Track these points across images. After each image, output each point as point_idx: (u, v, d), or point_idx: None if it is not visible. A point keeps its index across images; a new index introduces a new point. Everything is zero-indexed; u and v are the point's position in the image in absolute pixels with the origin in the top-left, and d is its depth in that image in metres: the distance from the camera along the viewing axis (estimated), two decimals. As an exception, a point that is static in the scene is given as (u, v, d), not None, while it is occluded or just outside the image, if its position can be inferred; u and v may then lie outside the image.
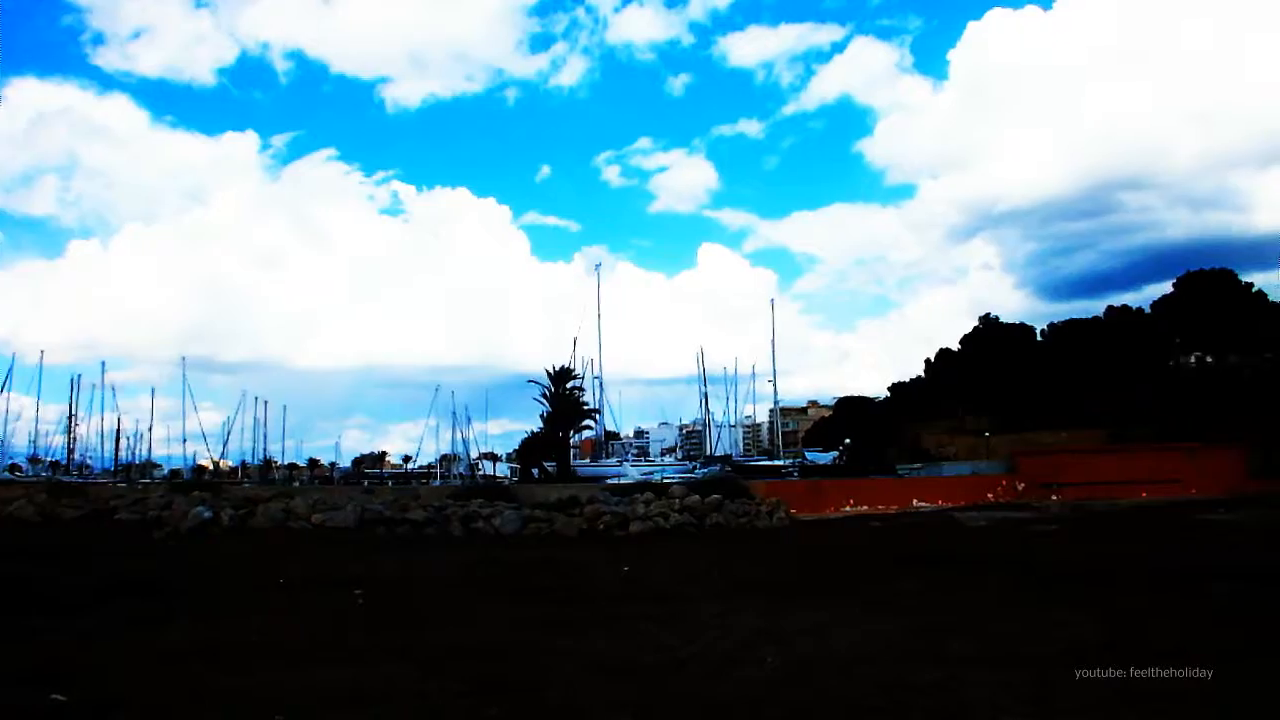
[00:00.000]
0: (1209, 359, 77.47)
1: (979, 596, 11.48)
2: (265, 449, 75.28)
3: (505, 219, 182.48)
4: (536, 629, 9.81)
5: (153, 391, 74.73)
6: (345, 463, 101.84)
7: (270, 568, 15.61)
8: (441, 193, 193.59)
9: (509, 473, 61.73)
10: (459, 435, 77.64)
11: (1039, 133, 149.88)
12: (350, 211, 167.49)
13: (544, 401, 52.63)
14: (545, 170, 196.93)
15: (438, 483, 64.07)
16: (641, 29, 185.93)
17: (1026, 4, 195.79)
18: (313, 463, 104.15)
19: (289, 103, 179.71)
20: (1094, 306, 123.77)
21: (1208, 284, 75.42)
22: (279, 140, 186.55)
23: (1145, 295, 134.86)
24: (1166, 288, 79.64)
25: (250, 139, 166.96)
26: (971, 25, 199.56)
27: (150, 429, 71.51)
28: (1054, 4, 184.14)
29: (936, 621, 9.44)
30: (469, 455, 77.97)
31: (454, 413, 77.71)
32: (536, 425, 55.44)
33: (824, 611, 10.57)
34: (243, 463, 76.24)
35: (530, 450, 56.95)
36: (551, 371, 53.13)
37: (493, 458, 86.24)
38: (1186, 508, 29.84)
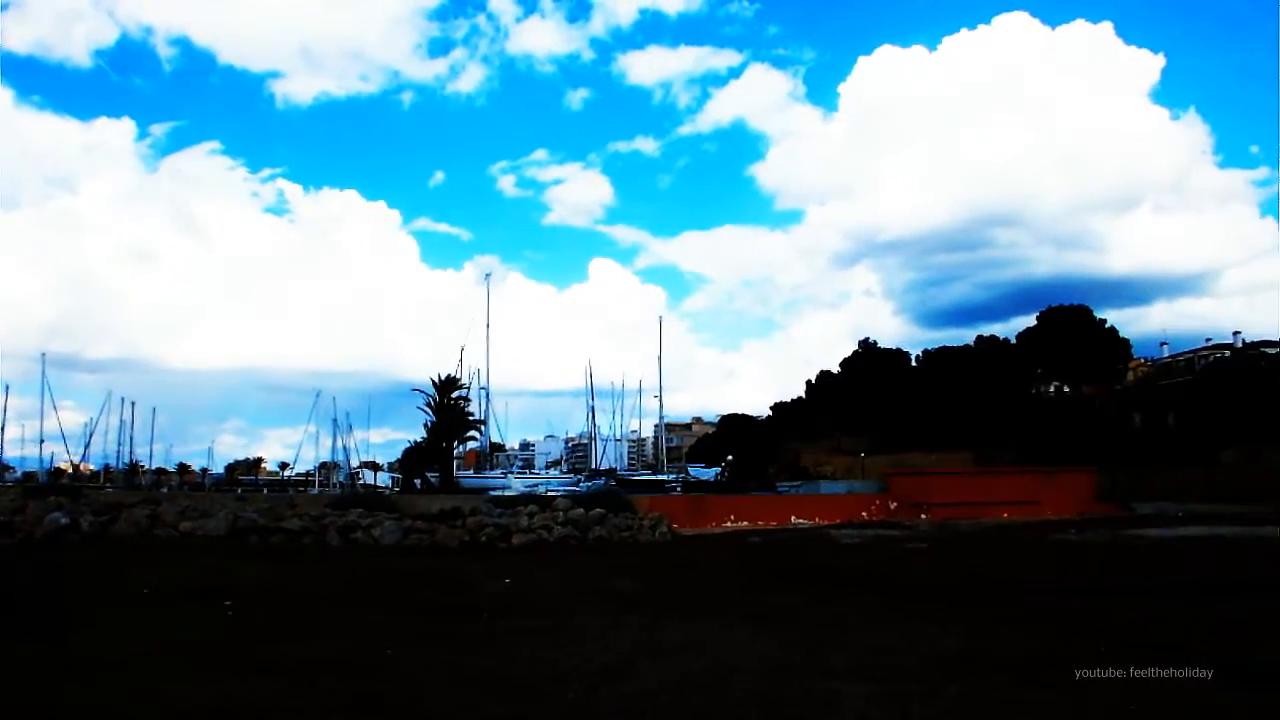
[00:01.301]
0: (1066, 388, 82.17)
1: (852, 611, 11.89)
2: (132, 453, 71.78)
3: (395, 224, 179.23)
4: (415, 642, 9.68)
5: (6, 389, 69.95)
6: (218, 469, 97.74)
7: (133, 578, 14.90)
8: (330, 194, 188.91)
9: (391, 482, 60.52)
10: (339, 443, 75.61)
11: (921, 167, 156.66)
12: (232, 208, 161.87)
13: (428, 411, 51.86)
14: (439, 176, 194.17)
15: (316, 491, 62.19)
16: (542, 41, 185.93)
17: (913, 44, 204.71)
18: (183, 468, 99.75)
19: (171, 92, 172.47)
20: (965, 335, 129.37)
21: (1066, 319, 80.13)
22: (158, 130, 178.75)
23: (1012, 326, 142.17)
24: (1031, 321, 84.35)
25: (127, 126, 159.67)
26: (862, 60, 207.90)
27: (2, 429, 67.44)
28: (939, 45, 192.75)
29: (812, 635, 9.75)
30: (349, 464, 76.01)
31: (335, 420, 75.67)
32: (420, 435, 54.63)
33: (704, 625, 10.77)
34: (106, 467, 72.46)
35: (413, 460, 56.07)
36: (437, 381, 52.41)
37: (374, 467, 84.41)
38: (1042, 528, 31.50)
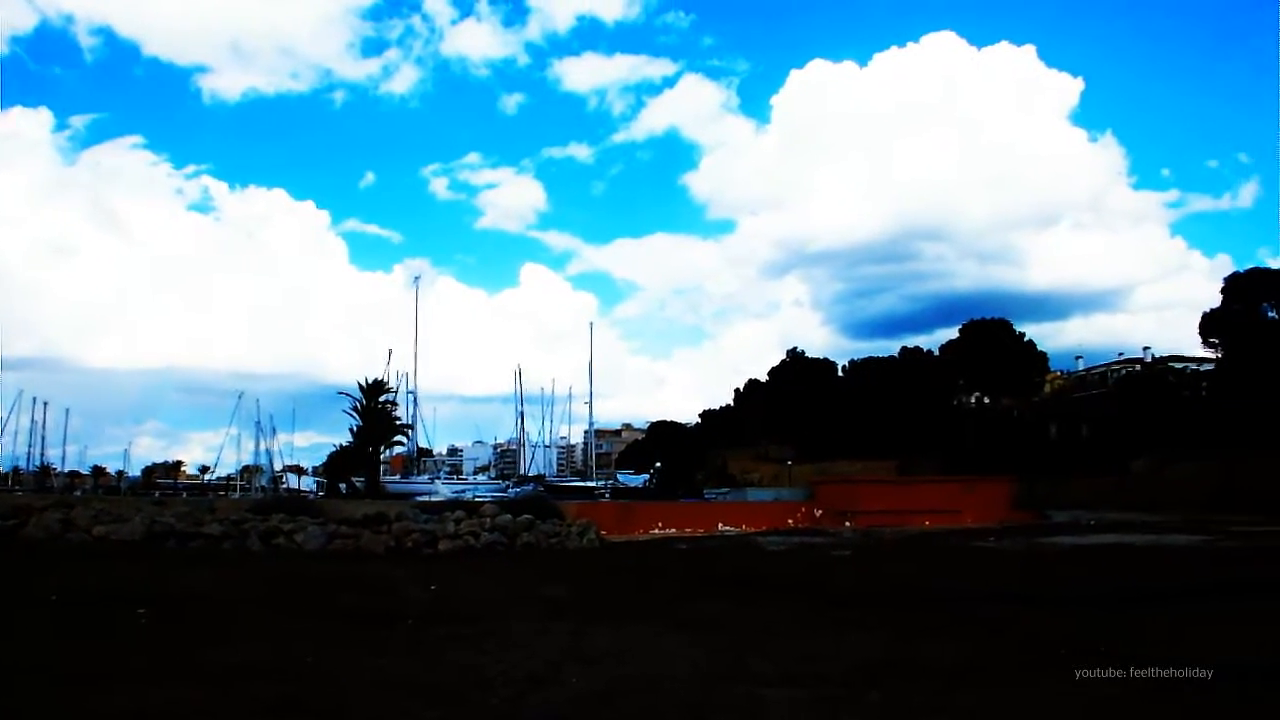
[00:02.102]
0: (986, 400, 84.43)
1: (778, 617, 12.03)
2: (43, 454, 69.28)
3: (323, 224, 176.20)
4: (338, 648, 9.52)
5: (-93, 388, 66.90)
6: (135, 472, 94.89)
7: (42, 584, 14.35)
8: (256, 192, 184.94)
9: (315, 487, 59.30)
10: (263, 446, 74.12)
11: (851, 180, 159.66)
12: (155, 204, 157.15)
13: (355, 415, 51.08)
14: (370, 177, 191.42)
15: (238, 495, 60.72)
16: (477, 44, 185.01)
17: (845, 59, 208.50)
18: (98, 471, 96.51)
19: (93, 83, 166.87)
20: (891, 346, 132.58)
21: (987, 332, 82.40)
22: (78, 121, 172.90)
23: (936, 338, 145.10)
24: (954, 333, 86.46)
25: (44, 117, 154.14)
26: (795, 73, 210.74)
27: (-98, 429, 64.48)
28: (870, 61, 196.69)
29: (739, 642, 9.84)
30: (273, 467, 74.47)
31: (258, 422, 74.12)
32: (346, 439, 53.73)
33: (631, 632, 10.80)
34: (15, 469, 69.84)
35: (338, 464, 55.09)
36: (364, 384, 51.63)
37: (299, 471, 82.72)
38: (963, 535, 32.27)
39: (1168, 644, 9.40)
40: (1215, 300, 66.41)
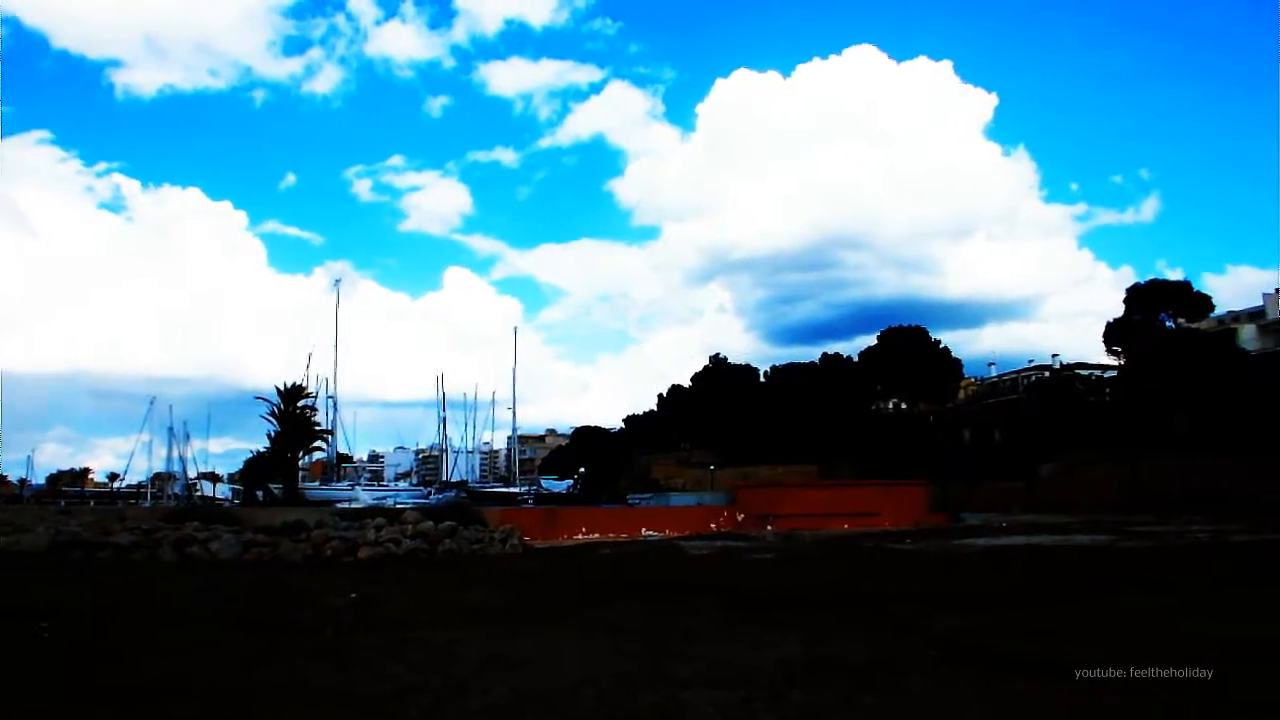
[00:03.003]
0: (903, 405, 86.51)
1: (699, 620, 12.15)
2: (-62, 462, 65.84)
3: (240, 225, 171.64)
4: (253, 660, 9.32)
5: None
6: (39, 479, 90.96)
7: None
8: (171, 191, 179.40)
9: (231, 494, 57.69)
10: (175, 453, 71.84)
11: (774, 188, 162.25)
12: (63, 202, 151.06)
13: (272, 420, 49.94)
14: (290, 178, 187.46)
15: (149, 504, 58.68)
16: (402, 46, 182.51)
17: (769, 69, 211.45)
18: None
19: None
20: (812, 353, 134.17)
21: (904, 339, 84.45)
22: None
23: (856, 345, 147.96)
24: (873, 340, 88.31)
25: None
26: (719, 82, 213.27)
27: None
28: (793, 72, 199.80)
29: (661, 645, 9.92)
30: (186, 475, 72.17)
31: (171, 428, 71.83)
32: (264, 445, 52.48)
33: (554, 638, 10.80)
34: (-91, 479, 66.19)
35: (255, 471, 53.81)
36: (282, 389, 50.46)
37: (213, 478, 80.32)
38: (881, 538, 32.94)
39: (1072, 640, 9.80)
40: (1119, 310, 69.28)
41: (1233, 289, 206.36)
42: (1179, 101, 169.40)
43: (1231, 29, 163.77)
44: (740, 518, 43.94)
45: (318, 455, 58.34)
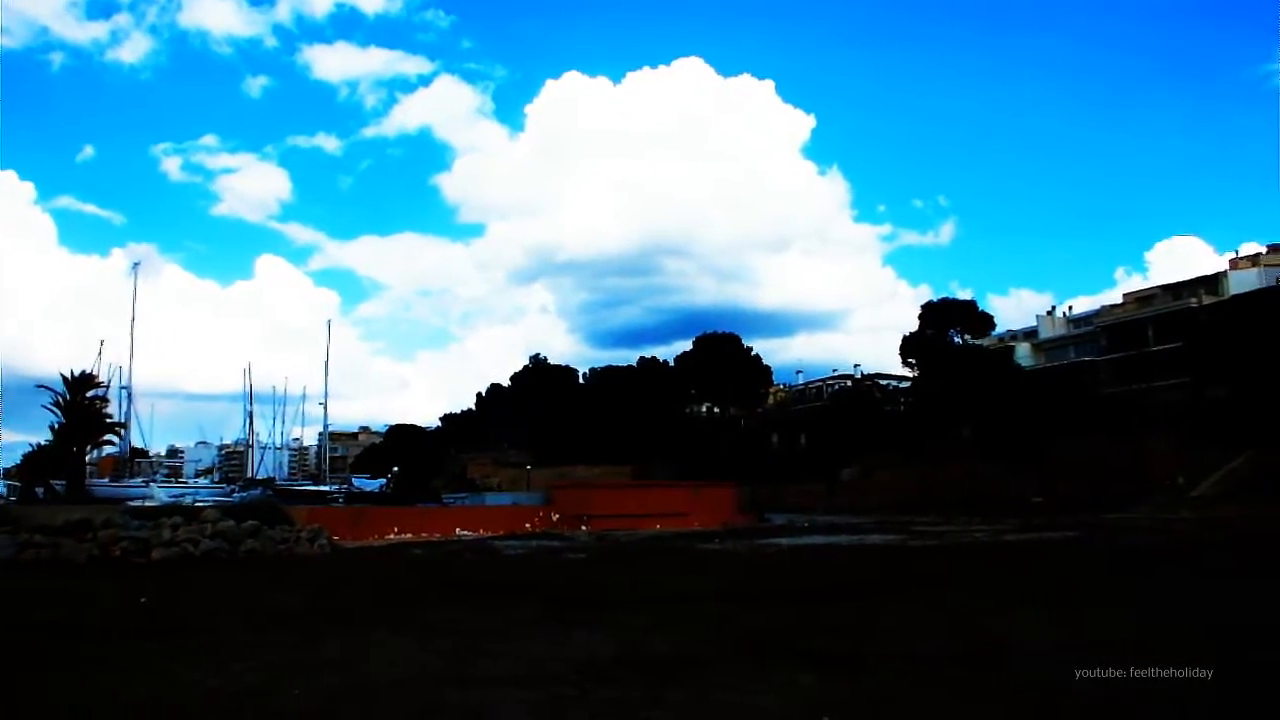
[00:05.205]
0: (716, 409, 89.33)
1: (512, 620, 12.18)
2: None
3: (27, 198, 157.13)
4: (31, 668, 8.64)
5: None
6: None
7: None
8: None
9: (7, 491, 52.47)
10: (-58, 445, 64.64)
11: (600, 192, 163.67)
12: None
13: (56, 411, 45.81)
14: (89, 151, 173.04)
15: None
16: (220, 20, 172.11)
17: (599, 74, 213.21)
18: None
19: None
20: (632, 356, 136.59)
21: (718, 346, 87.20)
22: None
23: (674, 349, 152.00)
24: (689, 345, 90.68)
25: None
26: (550, 83, 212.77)
27: None
28: (623, 79, 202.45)
29: (473, 645, 9.89)
30: (-47, 469, 65.13)
31: (-66, 419, 64.48)
32: (46, 437, 48.10)
33: (361, 640, 10.55)
34: None
35: (36, 466, 49.12)
36: (69, 377, 46.43)
37: (-13, 473, 72.77)
38: (691, 538, 33.97)
39: (865, 634, 10.50)
40: (915, 325, 74.16)
41: (1014, 309, 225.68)
42: (976, 135, 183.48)
43: (1020, 75, 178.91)
44: (555, 518, 44.15)
45: (109, 450, 54.09)
